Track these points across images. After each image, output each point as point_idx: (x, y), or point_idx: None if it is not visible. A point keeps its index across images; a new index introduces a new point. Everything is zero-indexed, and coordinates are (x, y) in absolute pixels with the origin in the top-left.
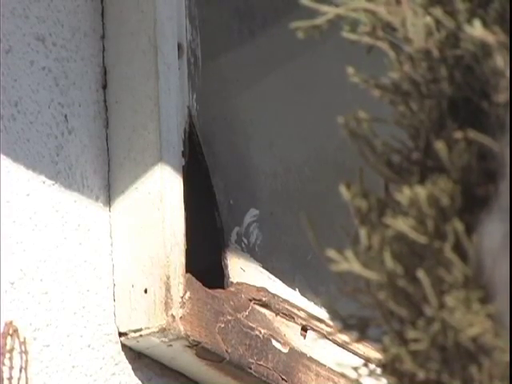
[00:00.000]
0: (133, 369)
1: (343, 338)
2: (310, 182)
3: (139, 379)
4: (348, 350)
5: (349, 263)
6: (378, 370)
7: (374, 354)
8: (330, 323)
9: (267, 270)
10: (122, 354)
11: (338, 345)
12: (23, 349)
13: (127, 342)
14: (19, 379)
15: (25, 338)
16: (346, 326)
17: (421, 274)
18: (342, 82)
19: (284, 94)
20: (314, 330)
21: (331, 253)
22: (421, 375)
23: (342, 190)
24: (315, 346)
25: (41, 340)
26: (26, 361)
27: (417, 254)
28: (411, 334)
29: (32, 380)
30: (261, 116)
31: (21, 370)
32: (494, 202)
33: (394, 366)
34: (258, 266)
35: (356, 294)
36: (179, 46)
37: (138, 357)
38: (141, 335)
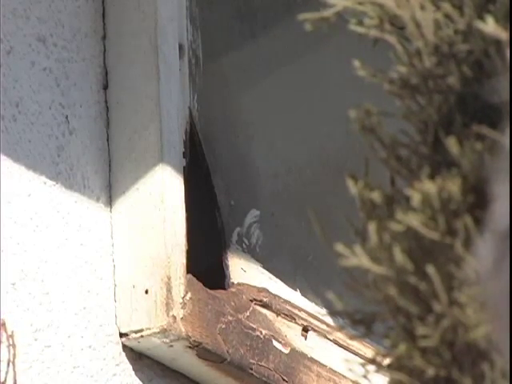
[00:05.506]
0: (134, 369)
1: (344, 338)
2: (311, 183)
3: (140, 380)
4: (349, 351)
5: (357, 258)
6: (386, 366)
7: (374, 353)
8: (331, 323)
9: (268, 270)
10: (123, 354)
11: (339, 345)
12: (11, 342)
13: (128, 343)
14: (7, 373)
15: (12, 332)
16: (352, 321)
17: (431, 269)
18: (343, 82)
19: (285, 95)
20: (314, 330)
21: (340, 247)
22: (430, 372)
23: (349, 183)
24: (316, 347)
25: (42, 341)
26: (14, 354)
27: (426, 250)
28: (420, 330)
29: (33, 380)
30: (262, 117)
31: (8, 364)
32: None
33: (403, 363)
34: (258, 266)
35: (363, 290)
36: (180, 47)
37: (138, 357)
38: (142, 336)
